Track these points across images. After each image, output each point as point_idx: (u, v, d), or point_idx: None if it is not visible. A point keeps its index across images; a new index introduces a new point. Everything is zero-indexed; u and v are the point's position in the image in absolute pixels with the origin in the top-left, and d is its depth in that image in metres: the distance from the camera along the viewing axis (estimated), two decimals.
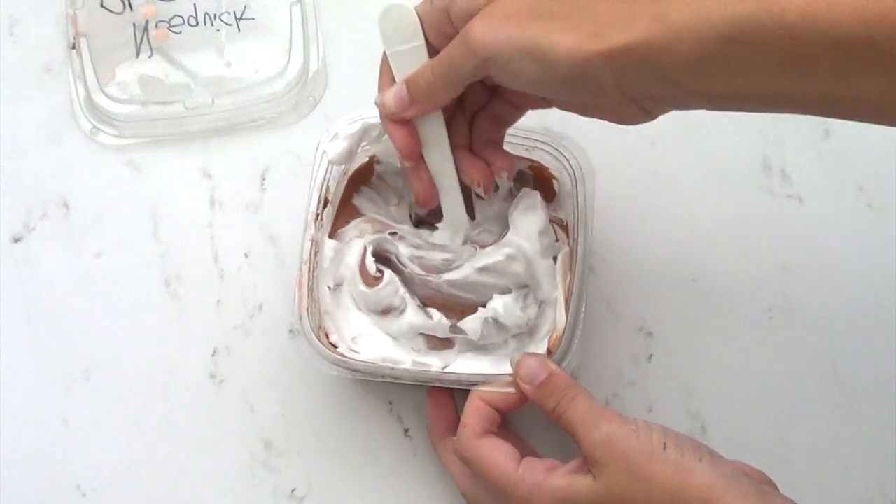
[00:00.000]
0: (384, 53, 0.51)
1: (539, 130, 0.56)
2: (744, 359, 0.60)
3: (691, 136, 0.63)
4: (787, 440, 0.59)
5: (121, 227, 0.63)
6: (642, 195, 0.63)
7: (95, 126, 0.64)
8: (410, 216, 0.60)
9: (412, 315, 0.56)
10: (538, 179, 0.59)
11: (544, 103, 0.51)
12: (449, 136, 0.52)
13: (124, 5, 0.65)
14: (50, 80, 0.65)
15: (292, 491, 0.59)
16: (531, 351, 0.53)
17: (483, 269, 0.56)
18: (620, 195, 0.62)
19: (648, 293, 0.61)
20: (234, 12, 0.65)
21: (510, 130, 0.54)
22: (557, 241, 0.57)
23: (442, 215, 0.56)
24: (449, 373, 0.55)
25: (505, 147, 0.54)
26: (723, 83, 0.42)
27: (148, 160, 0.64)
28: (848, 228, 0.62)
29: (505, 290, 0.56)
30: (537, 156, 0.58)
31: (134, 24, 0.65)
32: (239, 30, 0.65)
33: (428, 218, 0.58)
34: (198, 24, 0.65)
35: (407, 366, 0.55)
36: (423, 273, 0.57)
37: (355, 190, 0.59)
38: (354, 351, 0.56)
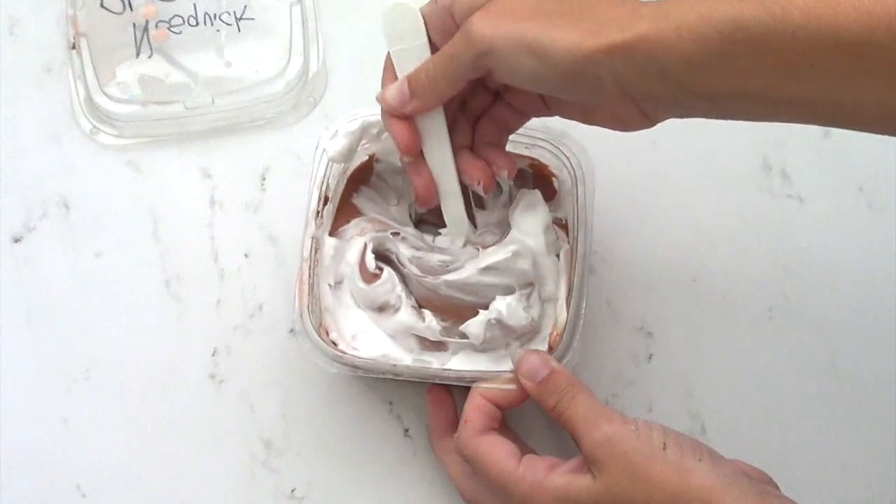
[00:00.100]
0: (388, 53, 0.51)
1: (539, 128, 0.56)
2: (744, 359, 0.60)
3: (691, 136, 0.63)
4: (787, 440, 0.59)
5: (121, 227, 0.63)
6: (642, 195, 0.63)
7: (95, 126, 0.64)
8: (410, 216, 0.60)
9: (405, 314, 0.56)
10: (538, 177, 0.59)
11: (546, 109, 0.51)
12: (451, 138, 0.52)
13: (124, 5, 0.65)
14: (50, 80, 0.65)
15: (292, 491, 0.59)
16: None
17: (487, 269, 0.55)
18: (620, 195, 0.62)
19: (648, 293, 0.61)
20: (234, 12, 0.65)
21: None
22: (558, 238, 0.57)
23: (442, 215, 0.56)
24: (449, 370, 0.55)
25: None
26: (723, 82, 0.42)
27: (148, 160, 0.64)
28: (848, 228, 0.62)
29: (506, 291, 0.55)
30: (537, 153, 0.58)
31: (134, 24, 0.65)
32: (239, 30, 0.65)
33: (428, 217, 0.58)
34: (198, 24, 0.65)
35: (407, 363, 0.55)
36: (420, 274, 0.57)
37: (355, 189, 0.59)
38: (354, 348, 0.56)
